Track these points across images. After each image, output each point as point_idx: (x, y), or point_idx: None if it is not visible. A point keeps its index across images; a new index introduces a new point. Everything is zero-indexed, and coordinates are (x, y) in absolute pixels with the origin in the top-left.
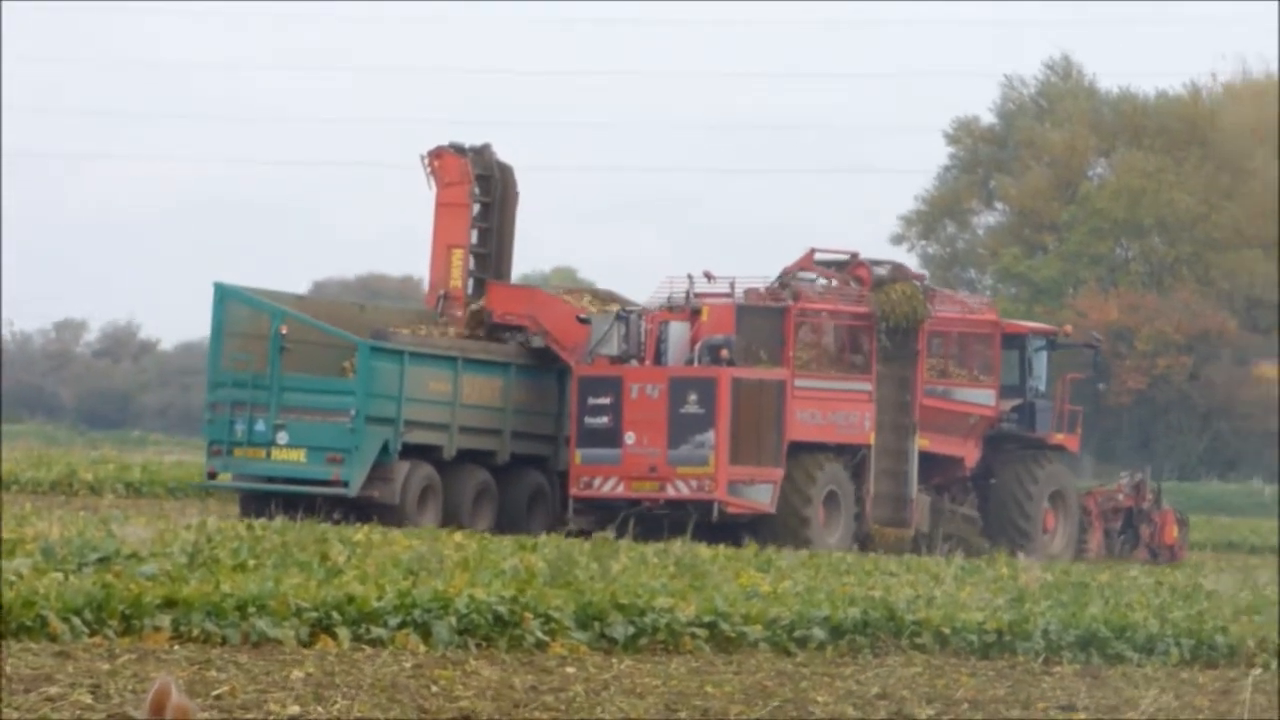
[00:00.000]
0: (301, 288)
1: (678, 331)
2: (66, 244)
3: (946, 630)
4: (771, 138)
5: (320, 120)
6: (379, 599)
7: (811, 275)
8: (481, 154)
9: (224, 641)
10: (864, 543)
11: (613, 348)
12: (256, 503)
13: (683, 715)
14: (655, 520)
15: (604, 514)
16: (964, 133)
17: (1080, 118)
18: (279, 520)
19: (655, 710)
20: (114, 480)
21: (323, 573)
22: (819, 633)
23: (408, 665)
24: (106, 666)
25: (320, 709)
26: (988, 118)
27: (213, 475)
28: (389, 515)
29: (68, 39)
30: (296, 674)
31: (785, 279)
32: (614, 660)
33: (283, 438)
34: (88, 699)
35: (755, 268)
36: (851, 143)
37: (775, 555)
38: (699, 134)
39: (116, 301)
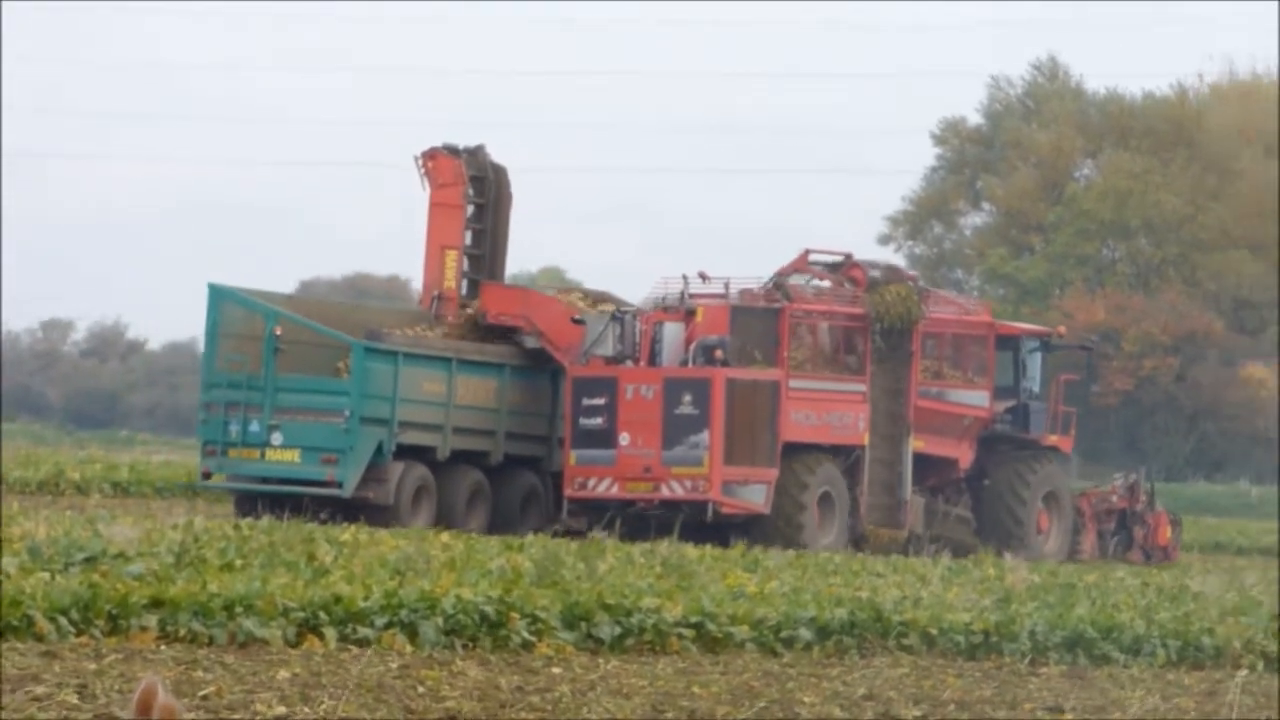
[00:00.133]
0: (288, 287)
1: (672, 332)
2: (59, 244)
3: (933, 631)
4: (767, 139)
5: (312, 121)
6: (366, 599)
7: (806, 276)
8: (475, 155)
9: (210, 641)
10: (858, 544)
11: (607, 348)
12: (251, 503)
13: (669, 715)
14: (642, 520)
15: (597, 514)
16: (951, 133)
17: (1067, 119)
18: (266, 520)
19: (641, 710)
20: (101, 480)
21: (310, 573)
22: (806, 633)
23: (394, 665)
24: (93, 666)
25: (307, 709)
26: (974, 118)
27: (207, 476)
28: (383, 516)
29: (65, 39)
30: (283, 674)
31: (780, 280)
32: (600, 660)
33: (277, 438)
34: (74, 699)
35: (749, 269)
36: (848, 144)
37: (762, 555)
38: (694, 136)
39: (110, 301)
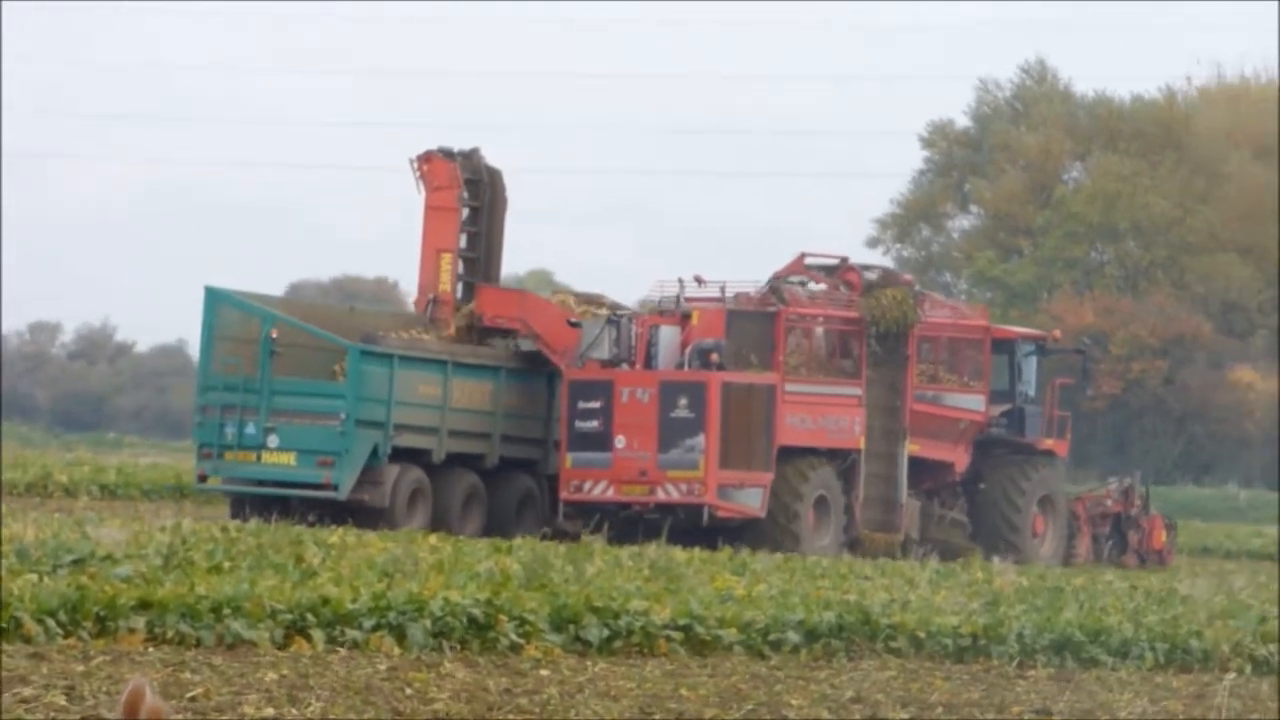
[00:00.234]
0: (277, 289)
1: (668, 335)
2: (54, 245)
3: (921, 634)
4: (764, 141)
5: (308, 122)
6: (354, 601)
7: (802, 279)
8: (470, 158)
9: (198, 643)
10: (853, 547)
11: (603, 351)
12: (247, 506)
13: (657, 718)
14: (630, 523)
15: (593, 517)
16: (939, 136)
17: (1055, 121)
18: (254, 522)
19: (630, 713)
20: (89, 482)
21: (297, 575)
22: (794, 636)
23: (382, 667)
24: (81, 668)
25: (294, 711)
26: (962, 121)
27: (203, 479)
28: (379, 519)
29: (63, 40)
30: (271, 676)
31: (776, 283)
32: (588, 663)
33: (273, 441)
34: (62, 700)
35: (745, 271)
36: (847, 146)
37: (750, 558)
38: (692, 137)
39: (99, 303)
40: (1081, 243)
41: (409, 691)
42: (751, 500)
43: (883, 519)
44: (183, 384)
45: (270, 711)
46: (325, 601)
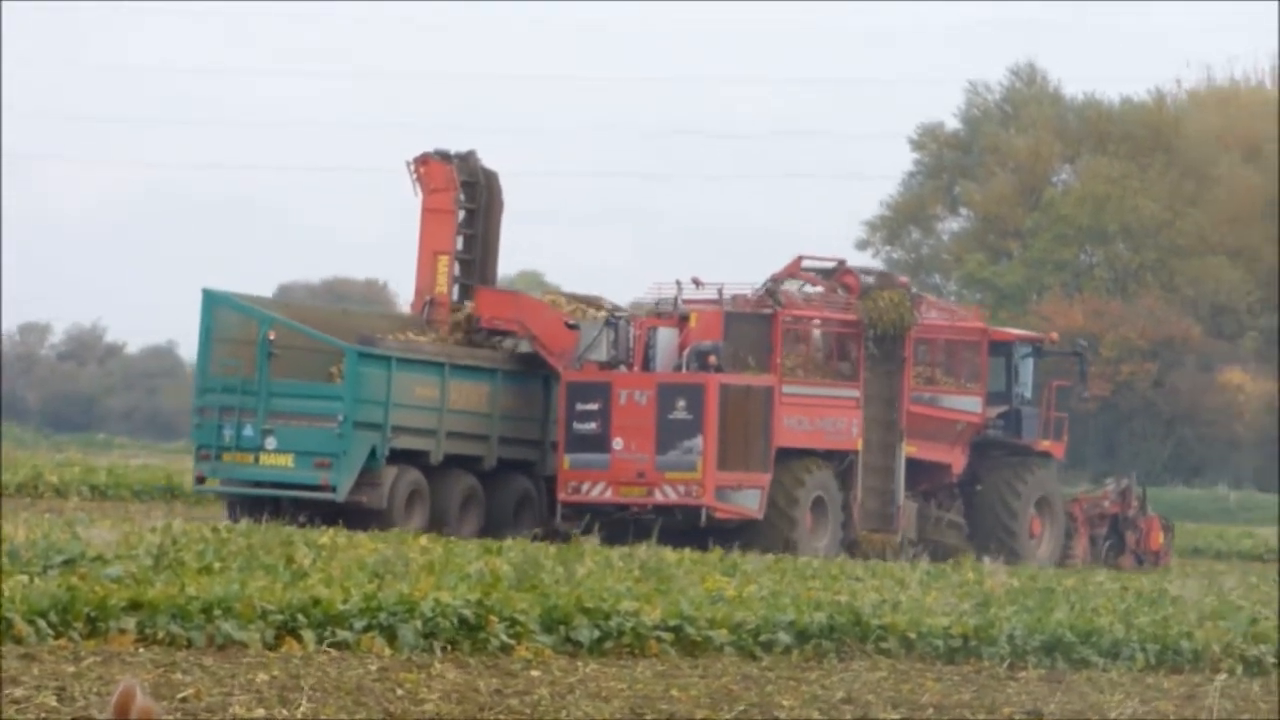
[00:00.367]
0: (267, 291)
1: (666, 337)
2: (50, 246)
3: (912, 635)
4: (762, 144)
5: (298, 124)
6: (344, 602)
7: (799, 282)
8: (467, 160)
9: (189, 644)
10: (851, 549)
11: (601, 353)
12: (245, 507)
13: (648, 719)
14: (621, 524)
15: (584, 518)
16: (929, 138)
17: (1045, 124)
18: (245, 523)
19: (620, 714)
20: (79, 483)
21: (288, 575)
22: (784, 637)
23: (373, 668)
24: (71, 669)
25: (285, 712)
26: (952, 123)
27: (201, 480)
28: (376, 521)
29: (62, 42)
30: (261, 677)
31: (773, 285)
32: (579, 664)
33: (271, 443)
34: (52, 701)
35: (743, 273)
36: (845, 147)
37: (741, 559)
38: (689, 139)
39: (90, 304)
40: (1071, 245)
41: (400, 692)
42: (749, 502)
43: (880, 520)
44: (173, 385)
45: (261, 712)
46: (316, 602)
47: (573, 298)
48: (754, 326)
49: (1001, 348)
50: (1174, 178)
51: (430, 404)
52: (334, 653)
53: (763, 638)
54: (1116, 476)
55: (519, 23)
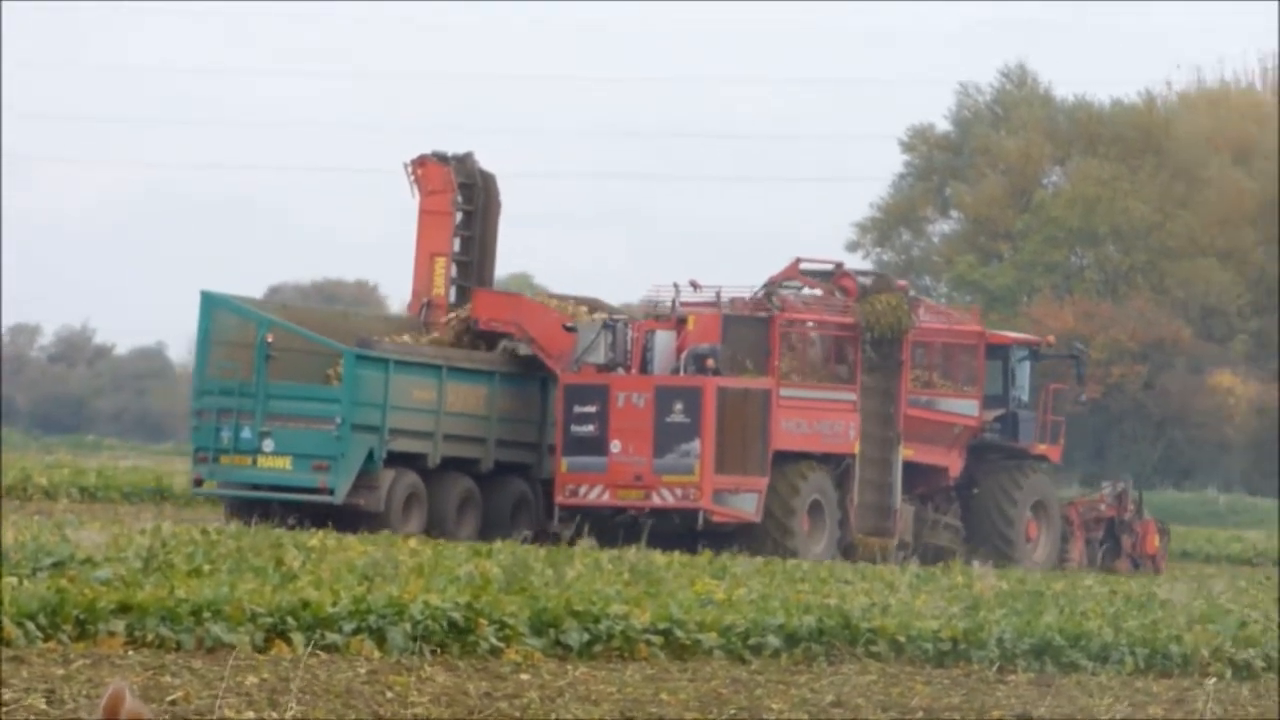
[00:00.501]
0: (257, 292)
1: (664, 340)
2: (47, 247)
3: (901, 638)
4: (759, 146)
5: (295, 124)
6: (334, 604)
7: (797, 285)
8: (464, 162)
9: (178, 647)
10: (848, 552)
11: (599, 356)
12: (244, 510)
13: None
14: (612, 526)
15: (575, 521)
16: (919, 140)
17: (1035, 125)
18: (234, 525)
19: (610, 717)
20: (69, 485)
21: (278, 578)
22: (774, 640)
23: (362, 671)
24: (60, 672)
25: (274, 714)
26: (943, 125)
27: (199, 483)
28: (374, 523)
29: (60, 43)
30: (251, 680)
31: (771, 288)
32: (569, 667)
33: (268, 445)
34: (42, 704)
35: (741, 276)
36: (844, 149)
37: (730, 562)
38: (687, 140)
39: (85, 305)
40: (1061, 247)
41: (389, 695)
42: (746, 505)
43: (877, 524)
44: (162, 386)
45: (250, 715)
46: (305, 605)
47: (559, 298)
48: (751, 329)
49: (998, 351)
50: (1164, 180)
51: (428, 406)
52: (323, 655)
53: (752, 641)
54: (1113, 480)
55: (519, 23)
